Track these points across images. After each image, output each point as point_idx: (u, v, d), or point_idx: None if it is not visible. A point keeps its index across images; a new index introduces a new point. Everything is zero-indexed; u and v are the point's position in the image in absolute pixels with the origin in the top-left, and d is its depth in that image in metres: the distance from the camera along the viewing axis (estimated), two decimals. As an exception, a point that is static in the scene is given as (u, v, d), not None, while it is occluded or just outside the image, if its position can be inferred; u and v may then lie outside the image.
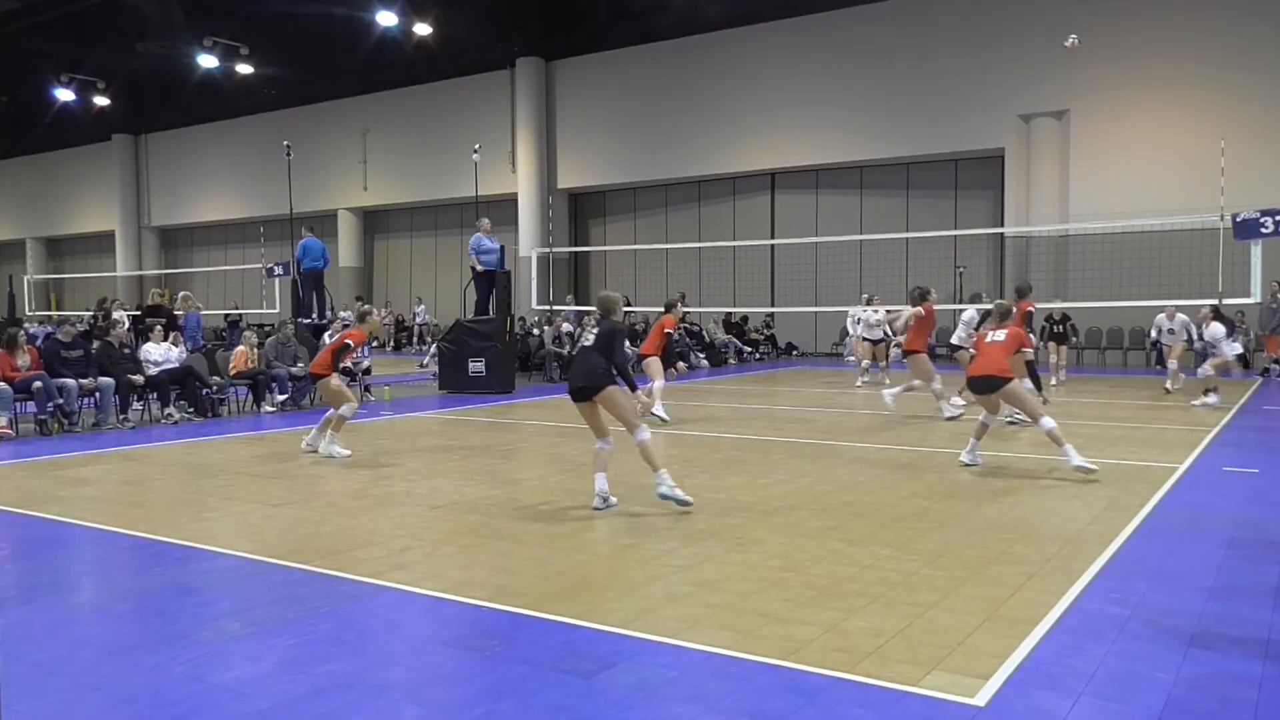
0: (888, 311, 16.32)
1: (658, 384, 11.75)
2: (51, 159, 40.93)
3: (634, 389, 7.08)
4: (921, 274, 23.01)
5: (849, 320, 18.93)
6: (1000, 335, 8.39)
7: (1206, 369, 13.01)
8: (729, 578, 5.06)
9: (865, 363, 17.00)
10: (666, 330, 12.15)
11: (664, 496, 6.62)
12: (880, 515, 6.52)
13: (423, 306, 30.50)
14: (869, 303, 17.18)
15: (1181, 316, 14.75)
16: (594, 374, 6.73)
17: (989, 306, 10.47)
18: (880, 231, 22.61)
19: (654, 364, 11.95)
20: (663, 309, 12.52)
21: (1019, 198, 22.09)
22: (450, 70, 29.03)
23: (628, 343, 7.07)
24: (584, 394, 6.77)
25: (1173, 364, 14.69)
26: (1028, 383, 10.31)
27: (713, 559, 5.44)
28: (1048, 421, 7.91)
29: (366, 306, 10.43)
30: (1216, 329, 13.13)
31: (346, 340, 9.81)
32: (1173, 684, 3.66)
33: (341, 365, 9.97)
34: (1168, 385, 14.58)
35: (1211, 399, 12.65)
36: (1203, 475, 7.98)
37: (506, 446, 10.00)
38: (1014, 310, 8.88)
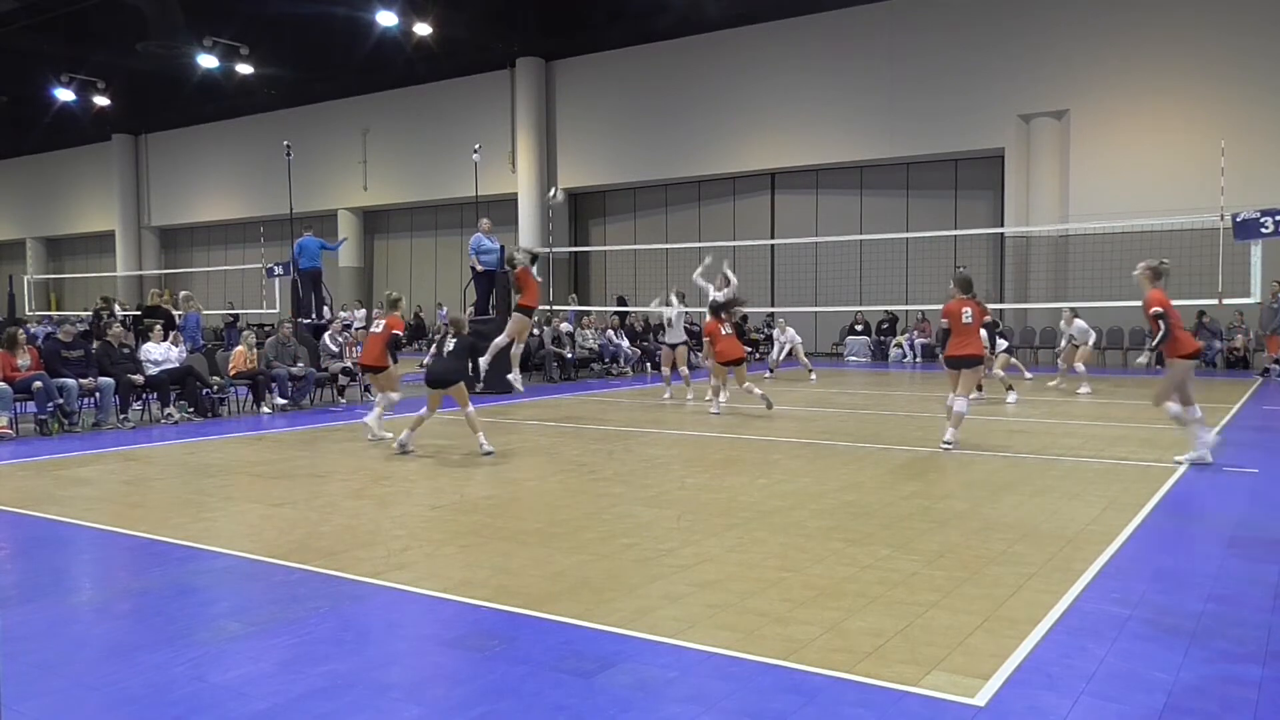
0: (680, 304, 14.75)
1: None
2: (51, 159, 40.92)
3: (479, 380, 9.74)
4: (921, 274, 23.06)
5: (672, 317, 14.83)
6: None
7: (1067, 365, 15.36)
8: (729, 578, 5.06)
9: (666, 371, 14.78)
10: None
11: (485, 452, 9.19)
12: (880, 515, 6.52)
13: (444, 309, 30.43)
14: (680, 298, 14.93)
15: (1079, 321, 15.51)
16: (452, 371, 9.36)
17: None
18: (880, 231, 22.62)
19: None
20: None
21: (1019, 198, 22.08)
22: (450, 70, 29.02)
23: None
24: (440, 385, 9.36)
25: (1080, 366, 15.29)
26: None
27: (713, 559, 5.44)
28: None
29: (395, 294, 11.05)
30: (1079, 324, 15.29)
31: (394, 331, 10.56)
32: (1173, 684, 3.66)
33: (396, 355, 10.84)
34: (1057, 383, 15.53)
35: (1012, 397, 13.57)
36: (1203, 475, 7.98)
37: (506, 447, 9.99)
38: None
